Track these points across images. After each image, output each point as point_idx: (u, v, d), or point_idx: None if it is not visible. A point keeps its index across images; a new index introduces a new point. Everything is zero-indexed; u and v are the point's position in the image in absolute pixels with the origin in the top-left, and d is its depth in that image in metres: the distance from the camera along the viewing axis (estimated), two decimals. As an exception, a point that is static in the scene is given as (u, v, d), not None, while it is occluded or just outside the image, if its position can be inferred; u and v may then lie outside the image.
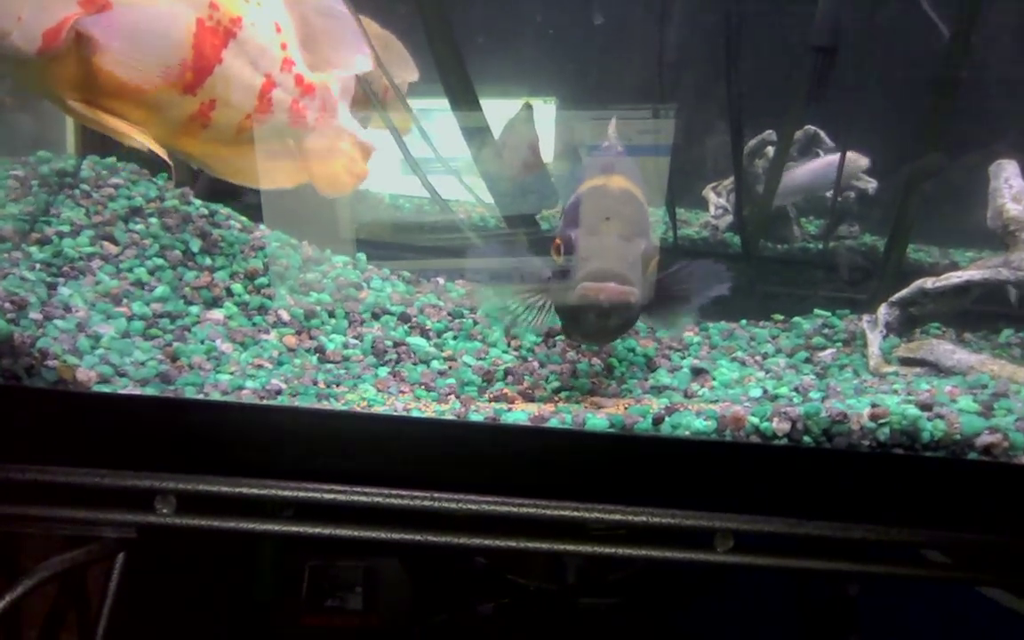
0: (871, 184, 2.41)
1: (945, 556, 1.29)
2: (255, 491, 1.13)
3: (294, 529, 1.17)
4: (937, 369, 1.49)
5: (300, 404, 1.19)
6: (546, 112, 1.91)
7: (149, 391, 1.18)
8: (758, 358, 1.61)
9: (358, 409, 1.18)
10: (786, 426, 1.18)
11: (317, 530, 1.17)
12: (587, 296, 1.17)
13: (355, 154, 1.53)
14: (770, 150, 2.40)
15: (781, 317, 1.78)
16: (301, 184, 1.52)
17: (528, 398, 1.35)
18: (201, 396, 1.19)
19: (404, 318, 1.60)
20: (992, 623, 1.68)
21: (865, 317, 1.65)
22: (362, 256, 1.79)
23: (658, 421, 1.19)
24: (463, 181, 1.82)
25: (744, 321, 1.78)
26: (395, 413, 1.18)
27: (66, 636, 1.57)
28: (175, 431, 1.14)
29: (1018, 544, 1.18)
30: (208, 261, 1.60)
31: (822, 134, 2.42)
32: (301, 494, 1.14)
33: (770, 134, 2.39)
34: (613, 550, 1.19)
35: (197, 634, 1.65)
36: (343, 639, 1.66)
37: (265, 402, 1.17)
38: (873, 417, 1.18)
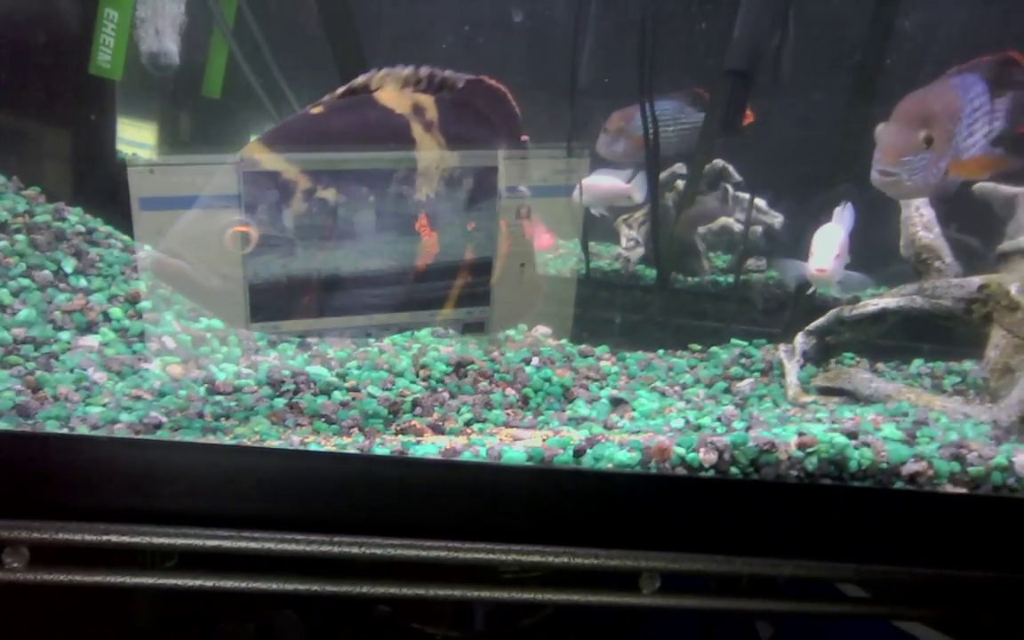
0: (777, 218, 2.44)
1: (866, 591, 1.25)
2: (125, 538, 0.98)
3: (171, 582, 1.03)
4: (855, 398, 1.47)
5: (181, 438, 1.05)
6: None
7: (2, 425, 1.02)
8: (677, 388, 1.56)
9: (248, 443, 1.05)
10: (713, 457, 1.12)
11: (199, 583, 1.03)
12: None
13: None
14: (680, 183, 2.39)
15: (699, 347, 1.74)
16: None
17: (438, 431, 1.25)
18: (66, 430, 1.04)
19: (303, 346, 1.48)
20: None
21: (782, 346, 1.63)
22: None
23: (579, 453, 1.10)
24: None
25: (661, 351, 1.73)
26: (290, 447, 1.05)
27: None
28: (30, 470, 0.99)
29: (946, 577, 1.15)
30: (84, 283, 1.44)
31: (730, 168, 2.44)
32: (180, 542, 1.00)
33: (680, 167, 2.39)
34: (532, 595, 1.10)
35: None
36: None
37: (140, 436, 1.03)
38: (800, 445, 1.13)
